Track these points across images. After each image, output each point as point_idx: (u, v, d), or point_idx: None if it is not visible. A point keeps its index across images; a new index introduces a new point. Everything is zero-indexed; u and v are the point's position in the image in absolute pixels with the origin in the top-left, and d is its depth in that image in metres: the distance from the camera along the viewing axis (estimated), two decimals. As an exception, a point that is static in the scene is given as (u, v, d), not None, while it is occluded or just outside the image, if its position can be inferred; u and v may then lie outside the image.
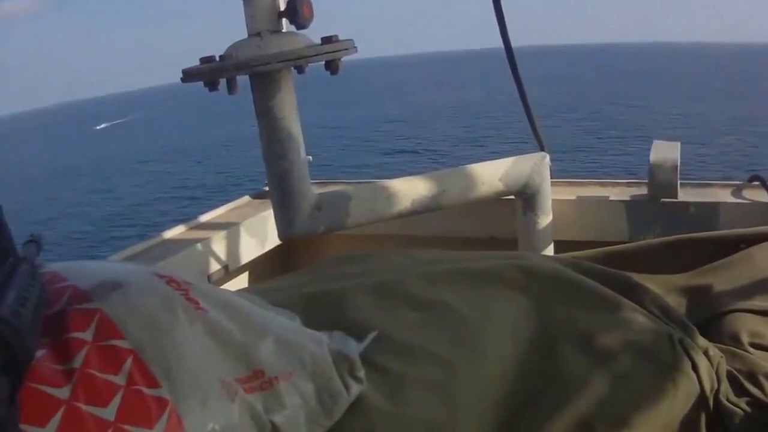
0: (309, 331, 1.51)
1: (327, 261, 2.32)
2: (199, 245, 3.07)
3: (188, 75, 2.42)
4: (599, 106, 43.40)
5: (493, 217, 3.26)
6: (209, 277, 3.05)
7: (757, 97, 41.04)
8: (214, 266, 3.13)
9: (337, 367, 1.42)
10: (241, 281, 3.35)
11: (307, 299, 1.82)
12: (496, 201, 3.07)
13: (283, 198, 2.55)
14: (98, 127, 77.71)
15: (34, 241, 1.22)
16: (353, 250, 2.38)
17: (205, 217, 3.43)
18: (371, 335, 1.59)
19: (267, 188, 3.52)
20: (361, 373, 1.46)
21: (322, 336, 1.49)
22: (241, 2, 2.45)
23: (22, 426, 0.95)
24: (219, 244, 3.16)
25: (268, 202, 3.37)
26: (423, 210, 2.80)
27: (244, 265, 3.31)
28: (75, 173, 38.24)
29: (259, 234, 3.39)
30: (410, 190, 2.76)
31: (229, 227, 3.27)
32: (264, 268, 3.43)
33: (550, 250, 3.07)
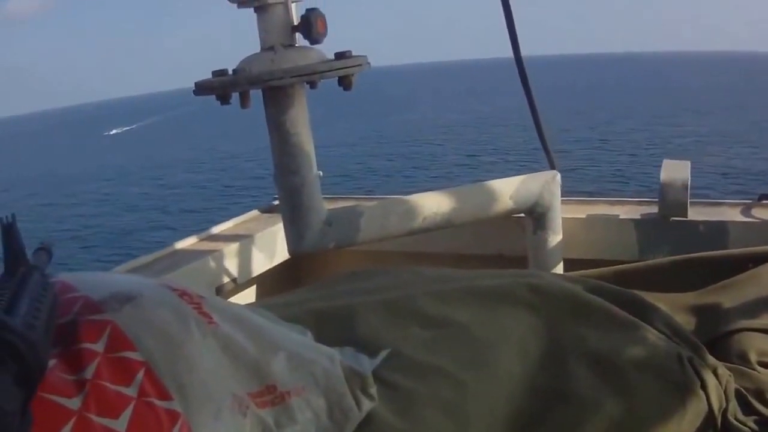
0: (321, 346, 1.51)
1: (336, 277, 2.33)
2: (207, 258, 3.08)
3: (201, 88, 2.43)
4: (611, 118, 43.13)
5: (503, 234, 3.26)
6: (218, 290, 3.05)
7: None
8: (223, 279, 3.13)
9: (348, 383, 1.42)
10: (249, 295, 3.35)
11: (317, 315, 1.82)
12: (505, 219, 3.08)
13: (293, 213, 2.56)
14: (112, 132, 74.62)
15: (44, 249, 1.23)
16: (362, 267, 2.39)
17: (213, 231, 3.44)
18: (384, 352, 1.59)
19: (276, 202, 3.53)
20: (373, 389, 1.46)
21: (334, 352, 1.49)
22: (255, 16, 2.46)
23: None
24: (228, 258, 3.17)
25: (276, 217, 3.38)
26: (433, 227, 2.81)
27: (252, 278, 3.32)
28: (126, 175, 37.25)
29: (268, 248, 3.39)
30: (421, 207, 2.77)
31: (238, 241, 3.27)
32: (272, 282, 3.43)
33: (559, 269, 3.07)
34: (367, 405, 1.43)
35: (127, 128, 77.26)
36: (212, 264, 3.09)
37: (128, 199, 29.29)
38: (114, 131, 75.02)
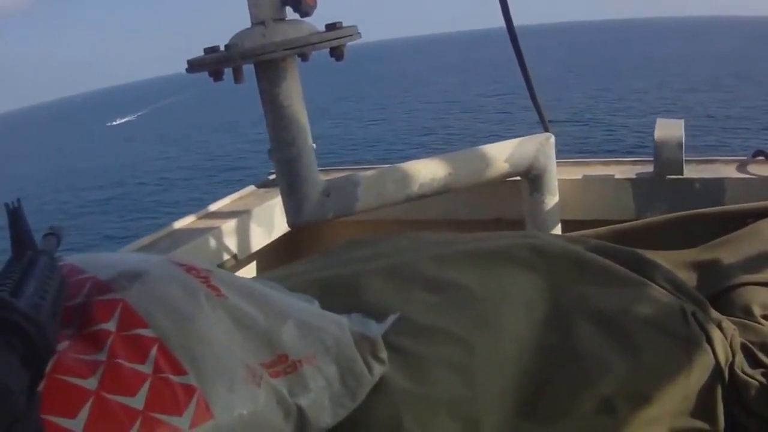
0: (329, 313, 1.51)
1: (337, 246, 2.33)
2: (207, 236, 3.09)
3: (193, 65, 2.43)
4: (606, 84, 43.11)
5: (500, 198, 3.27)
6: (219, 267, 3.05)
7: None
8: (223, 256, 3.14)
9: (359, 348, 1.42)
10: (250, 270, 3.36)
11: (321, 284, 1.82)
12: (502, 182, 3.08)
13: (291, 185, 2.56)
14: (116, 123, 70.78)
15: (53, 234, 1.24)
16: (361, 236, 2.40)
17: (211, 208, 3.44)
18: (393, 317, 1.59)
19: (272, 177, 3.54)
20: (384, 354, 1.46)
21: (343, 318, 1.50)
22: (245, -9, 2.45)
23: (53, 418, 0.97)
24: (227, 234, 3.18)
25: (273, 192, 3.39)
26: (430, 193, 2.81)
27: (253, 253, 3.33)
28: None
29: (266, 223, 3.40)
30: (417, 173, 2.78)
31: (236, 217, 3.28)
32: (272, 256, 3.44)
33: (557, 230, 3.08)
34: (378, 369, 1.43)
35: (134, 116, 74.54)
36: (212, 241, 3.10)
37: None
38: (118, 121, 71.91)
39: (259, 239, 3.36)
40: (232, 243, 3.19)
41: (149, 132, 54.84)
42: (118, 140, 52.52)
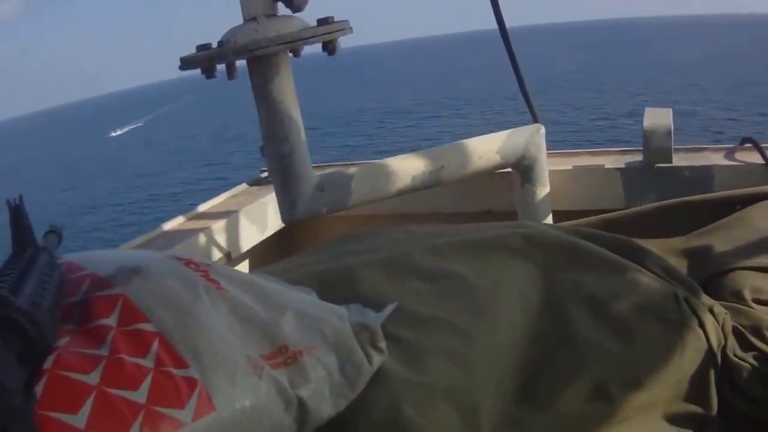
0: (328, 304, 1.52)
1: (331, 241, 2.34)
2: (200, 234, 3.09)
3: (186, 63, 2.44)
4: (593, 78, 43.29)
5: (491, 190, 3.29)
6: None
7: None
8: (216, 254, 3.15)
9: (358, 338, 1.43)
10: (243, 267, 3.36)
11: (317, 278, 1.83)
12: (493, 174, 3.10)
13: (285, 181, 2.57)
14: (116, 133, 67.64)
15: (54, 232, 1.25)
16: (354, 231, 2.41)
17: (203, 207, 3.45)
18: (391, 306, 1.60)
19: (263, 174, 3.55)
20: (383, 343, 1.47)
21: (342, 309, 1.51)
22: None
23: (54, 414, 0.97)
24: (220, 232, 3.19)
25: (265, 189, 3.41)
26: (422, 186, 2.83)
27: (246, 251, 3.33)
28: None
29: (260, 220, 3.41)
30: (409, 167, 2.79)
31: (229, 215, 3.29)
32: (265, 253, 3.45)
33: (548, 220, 3.10)
34: (377, 359, 1.44)
35: (134, 125, 71.84)
36: (206, 239, 3.11)
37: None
38: (119, 131, 68.92)
39: (253, 236, 3.37)
40: (225, 241, 3.20)
41: (168, 135, 54.18)
42: (139, 145, 51.86)
